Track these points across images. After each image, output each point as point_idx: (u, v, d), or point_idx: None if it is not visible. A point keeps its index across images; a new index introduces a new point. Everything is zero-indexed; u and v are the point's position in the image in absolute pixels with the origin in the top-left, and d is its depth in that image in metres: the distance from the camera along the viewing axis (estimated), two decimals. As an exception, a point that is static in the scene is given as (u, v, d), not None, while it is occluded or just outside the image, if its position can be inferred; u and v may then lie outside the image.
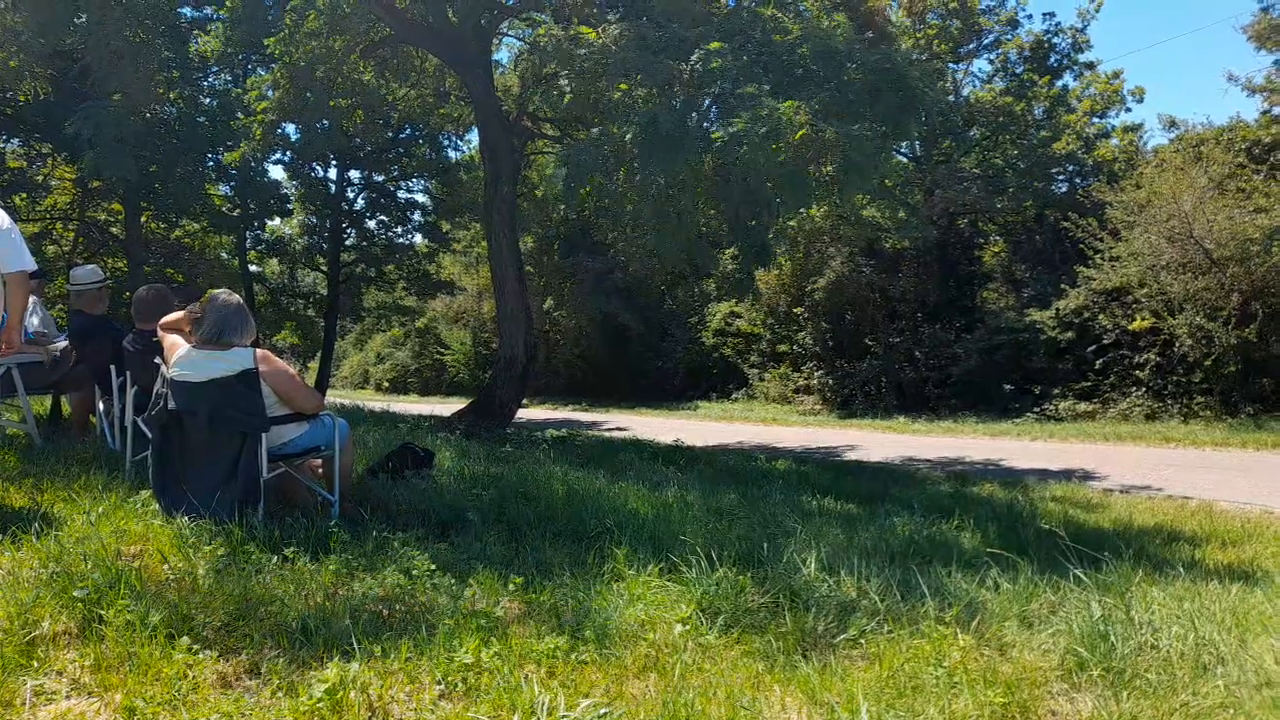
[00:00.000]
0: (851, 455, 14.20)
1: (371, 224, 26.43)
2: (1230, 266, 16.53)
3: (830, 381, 24.40)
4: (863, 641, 3.09)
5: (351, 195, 25.94)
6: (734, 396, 27.53)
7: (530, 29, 13.70)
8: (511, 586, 3.45)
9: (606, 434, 17.64)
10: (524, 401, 16.23)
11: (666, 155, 8.66)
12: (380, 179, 25.60)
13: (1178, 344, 17.34)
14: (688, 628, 3.11)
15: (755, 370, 27.08)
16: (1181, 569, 4.90)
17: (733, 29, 9.99)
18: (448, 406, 20.52)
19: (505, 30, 15.36)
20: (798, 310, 25.72)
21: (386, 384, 43.02)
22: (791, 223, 18.23)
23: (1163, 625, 3.26)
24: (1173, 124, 20.18)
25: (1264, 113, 18.69)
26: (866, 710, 2.45)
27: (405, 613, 3.11)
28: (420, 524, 4.40)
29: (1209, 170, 17.05)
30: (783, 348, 26.36)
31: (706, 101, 9.69)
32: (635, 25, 9.32)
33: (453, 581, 3.45)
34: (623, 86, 8.98)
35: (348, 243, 26.25)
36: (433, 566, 3.51)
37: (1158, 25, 64.68)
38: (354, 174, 25.57)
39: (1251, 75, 18.66)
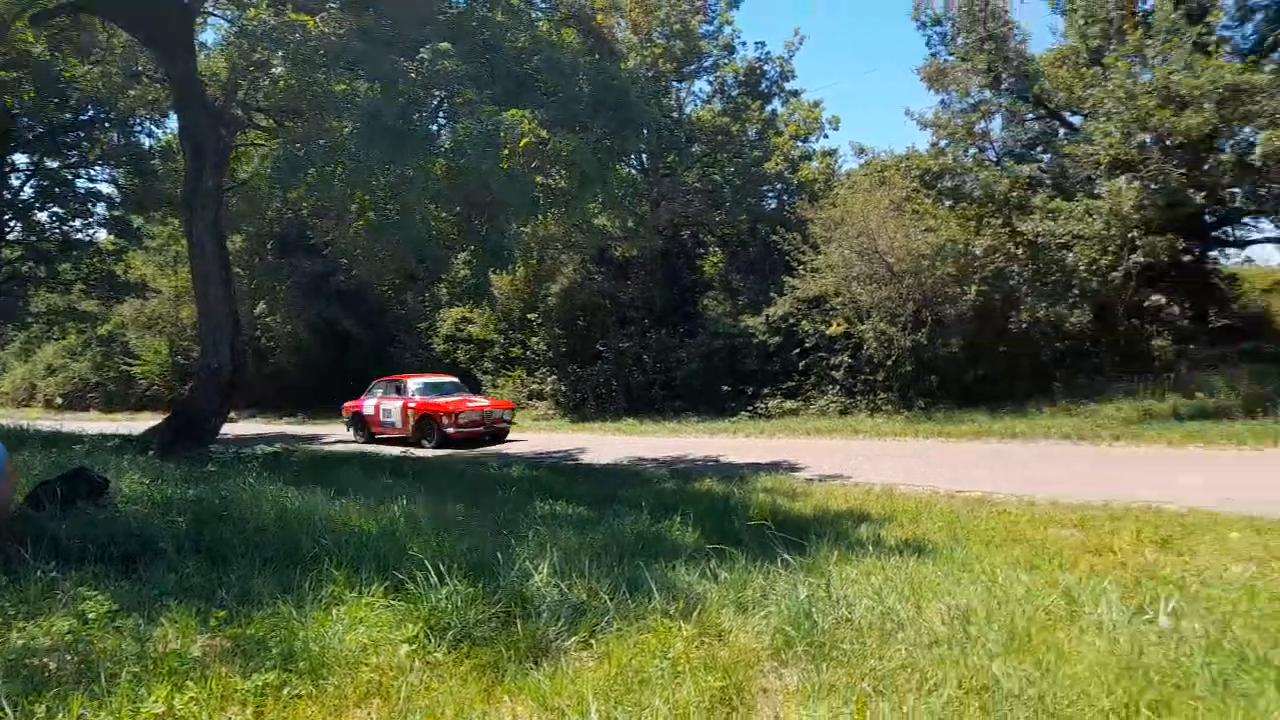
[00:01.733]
0: (584, 458, 14.51)
1: (43, 216, 22.98)
2: (906, 278, 18.97)
3: (563, 386, 24.82)
4: (593, 642, 3.13)
5: (16, 182, 22.35)
6: (467, 403, 27.09)
7: (239, 10, 12.58)
8: (213, 621, 3.12)
9: (326, 448, 16.65)
10: (231, 416, 14.87)
11: (391, 152, 8.33)
12: (55, 165, 22.30)
13: (865, 346, 19.58)
14: (414, 647, 2.99)
15: (489, 376, 26.88)
16: (870, 547, 5.49)
17: (461, 30, 9.84)
18: (138, 423, 18.33)
19: (211, 9, 13.98)
20: (531, 316, 25.92)
21: (60, 400, 37.58)
22: (525, 229, 18.33)
23: (856, 599, 3.61)
24: (862, 151, 22.65)
25: (933, 145, 21.56)
26: (596, 710, 2.47)
27: (79, 663, 2.70)
28: (98, 559, 3.85)
29: (890, 193, 19.47)
30: (516, 352, 26.42)
31: (434, 101, 9.46)
32: (358, 16, 8.89)
33: (140, 622, 3.05)
34: (346, 84, 8.53)
35: (10, 237, 22.57)
36: (114, 607, 3.09)
37: (853, 62, 73.25)
38: (20, 158, 22.10)
39: (924, 112, 21.46)
